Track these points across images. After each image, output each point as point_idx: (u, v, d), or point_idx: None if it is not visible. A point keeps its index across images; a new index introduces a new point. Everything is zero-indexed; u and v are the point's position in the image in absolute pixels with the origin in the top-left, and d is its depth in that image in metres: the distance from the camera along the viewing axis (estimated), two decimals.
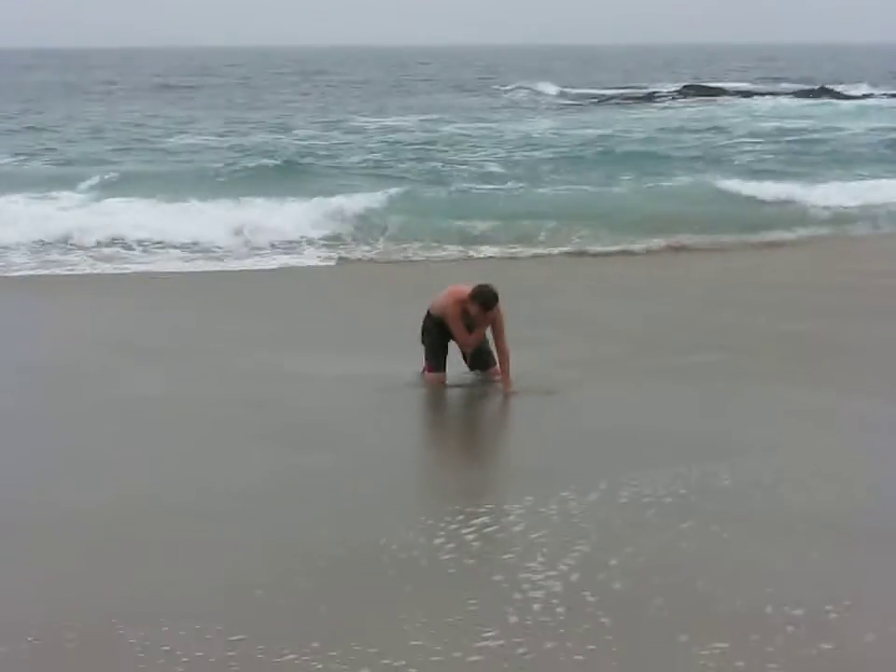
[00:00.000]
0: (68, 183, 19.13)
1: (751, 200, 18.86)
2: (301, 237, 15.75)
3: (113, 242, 15.26)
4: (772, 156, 25.32)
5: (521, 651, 4.55)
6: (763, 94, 50.46)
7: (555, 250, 15.40)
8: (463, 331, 8.48)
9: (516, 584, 5.11)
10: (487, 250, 15.40)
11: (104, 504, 6.10)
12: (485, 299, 8.31)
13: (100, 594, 5.06)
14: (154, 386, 8.46)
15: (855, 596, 5.01)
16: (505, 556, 5.44)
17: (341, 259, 14.87)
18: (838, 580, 5.19)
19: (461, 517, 5.89)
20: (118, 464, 6.79)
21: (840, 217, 17.64)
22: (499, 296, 8.33)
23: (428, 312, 8.66)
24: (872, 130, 31.10)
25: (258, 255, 14.97)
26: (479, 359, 8.69)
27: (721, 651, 4.53)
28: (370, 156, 25.02)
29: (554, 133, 30.40)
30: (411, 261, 14.85)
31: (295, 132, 31.38)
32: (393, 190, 18.23)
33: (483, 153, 25.66)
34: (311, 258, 14.90)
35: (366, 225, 16.42)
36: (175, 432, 7.46)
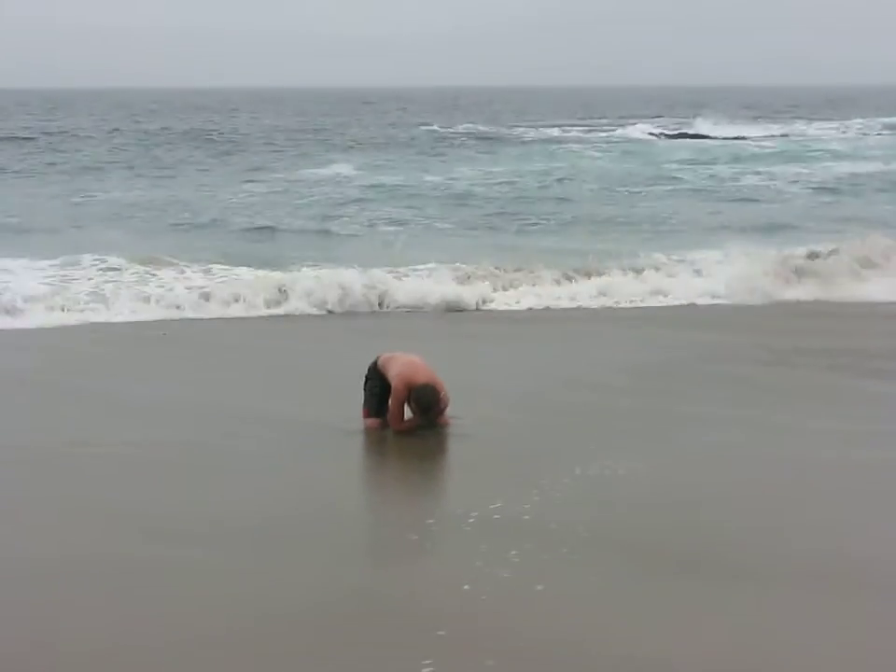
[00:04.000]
0: None
1: None
2: None
3: None
4: None
5: None
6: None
7: None
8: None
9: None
10: None
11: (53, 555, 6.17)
12: (424, 405, 8.35)
13: (63, 637, 5.18)
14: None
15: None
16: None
17: None
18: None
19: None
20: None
21: None
22: (437, 396, 8.32)
23: (376, 362, 8.67)
24: None
25: None
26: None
27: None
28: None
29: None
30: None
31: None
32: None
33: None
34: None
35: None
36: (127, 477, 7.56)
